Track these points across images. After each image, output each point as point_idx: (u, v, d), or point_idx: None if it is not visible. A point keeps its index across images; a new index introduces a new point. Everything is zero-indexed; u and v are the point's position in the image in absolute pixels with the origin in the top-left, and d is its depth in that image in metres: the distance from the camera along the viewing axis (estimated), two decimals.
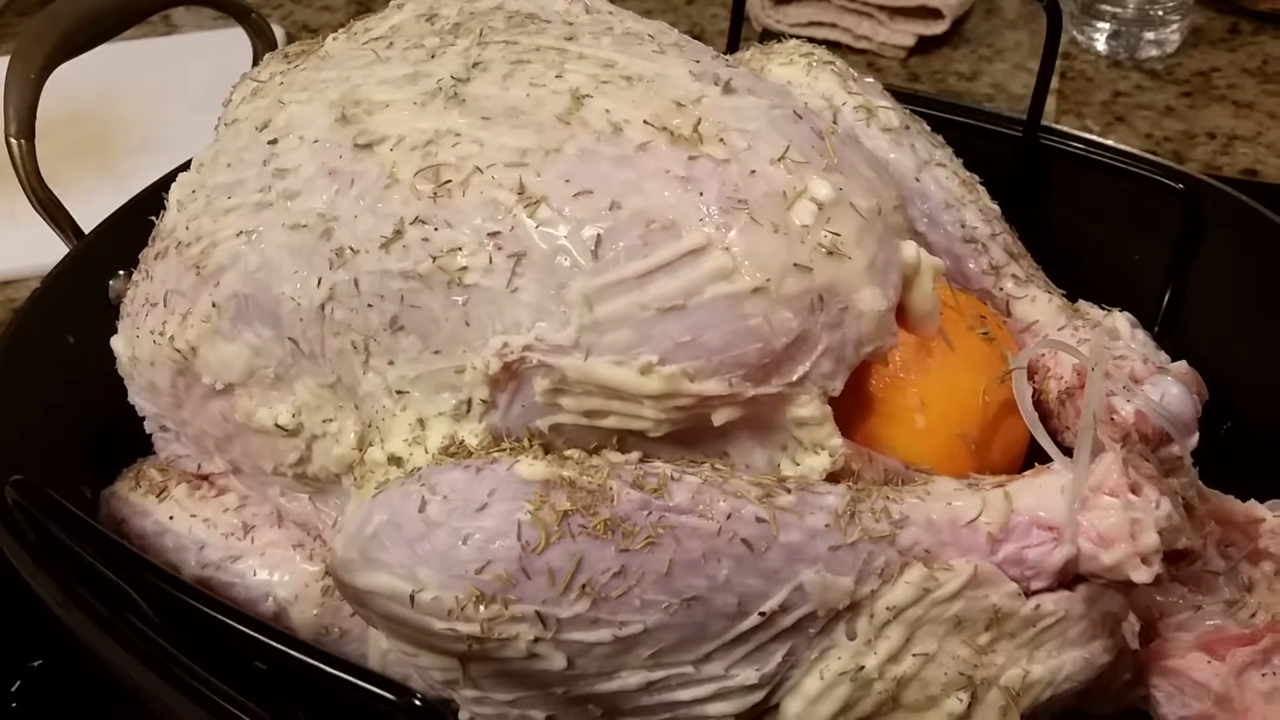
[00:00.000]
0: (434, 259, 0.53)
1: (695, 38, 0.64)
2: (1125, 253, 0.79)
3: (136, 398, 0.66)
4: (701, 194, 0.52)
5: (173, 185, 0.64)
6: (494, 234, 0.52)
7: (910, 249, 0.55)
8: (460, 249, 0.53)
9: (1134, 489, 0.52)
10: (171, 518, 0.64)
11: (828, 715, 0.52)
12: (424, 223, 0.53)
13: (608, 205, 0.52)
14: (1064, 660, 0.53)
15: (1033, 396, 0.66)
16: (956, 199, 0.71)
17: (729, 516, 0.50)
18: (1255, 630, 0.55)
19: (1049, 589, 0.53)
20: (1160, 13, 1.19)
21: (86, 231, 0.74)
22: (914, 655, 0.52)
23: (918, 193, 0.71)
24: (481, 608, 0.48)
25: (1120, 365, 0.66)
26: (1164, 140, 1.10)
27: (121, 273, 0.70)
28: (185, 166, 0.65)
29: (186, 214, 0.61)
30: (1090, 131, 1.00)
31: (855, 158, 0.56)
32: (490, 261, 0.52)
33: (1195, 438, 0.65)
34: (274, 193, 0.57)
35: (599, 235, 0.51)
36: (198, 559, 0.63)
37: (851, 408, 0.58)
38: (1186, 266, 0.76)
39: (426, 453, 0.55)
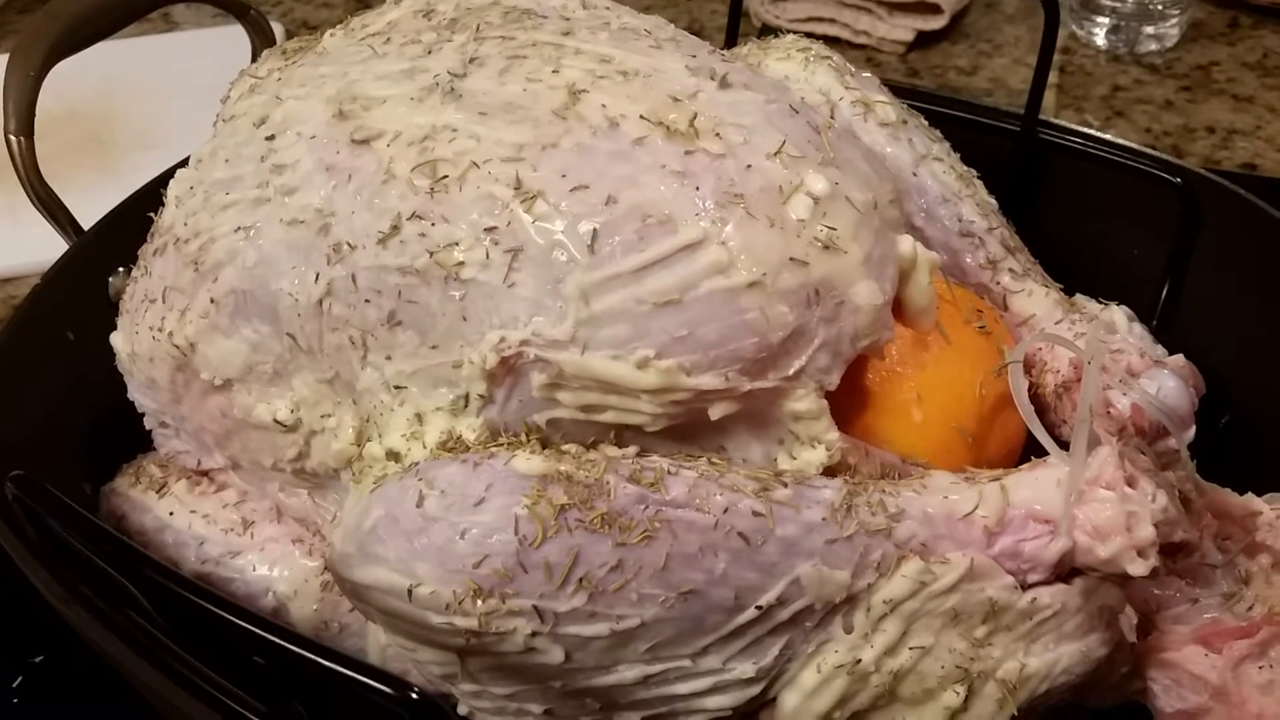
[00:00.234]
0: (431, 254, 0.53)
1: (694, 33, 0.64)
2: (1123, 247, 0.79)
3: (136, 394, 0.66)
4: (697, 189, 0.52)
5: (171, 182, 0.64)
6: (491, 229, 0.52)
7: (907, 243, 0.55)
8: (457, 244, 0.53)
9: (1130, 482, 0.52)
10: (171, 513, 0.64)
11: (825, 708, 0.52)
12: (421, 218, 0.53)
13: (604, 200, 0.52)
14: (1061, 653, 0.53)
15: (1029, 390, 0.66)
16: (953, 193, 0.71)
17: (725, 510, 0.50)
18: (1252, 623, 0.55)
19: (1045, 582, 0.53)
20: (1160, 7, 1.19)
21: (86, 228, 0.74)
22: (911, 648, 0.52)
23: (915, 187, 0.71)
24: (479, 602, 0.49)
25: (1117, 359, 0.66)
26: (1163, 135, 1.10)
27: (121, 269, 0.70)
28: (184, 163, 0.65)
29: (185, 210, 0.61)
30: (1090, 126, 1.00)
31: (852, 152, 0.56)
32: (487, 256, 0.52)
33: (1192, 431, 0.65)
34: (271, 188, 0.58)
35: (595, 230, 0.51)
36: (197, 554, 0.63)
37: (848, 402, 0.58)
38: (1184, 261, 0.76)
39: (424, 448, 0.55)
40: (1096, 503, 0.52)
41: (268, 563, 0.62)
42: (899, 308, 0.56)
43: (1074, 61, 1.20)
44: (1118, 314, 0.71)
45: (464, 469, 0.51)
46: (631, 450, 0.53)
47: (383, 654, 0.59)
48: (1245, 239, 0.74)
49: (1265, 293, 0.72)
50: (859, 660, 0.52)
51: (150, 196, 0.67)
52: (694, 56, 0.58)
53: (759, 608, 0.51)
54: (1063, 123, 0.82)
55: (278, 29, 1.28)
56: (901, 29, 1.23)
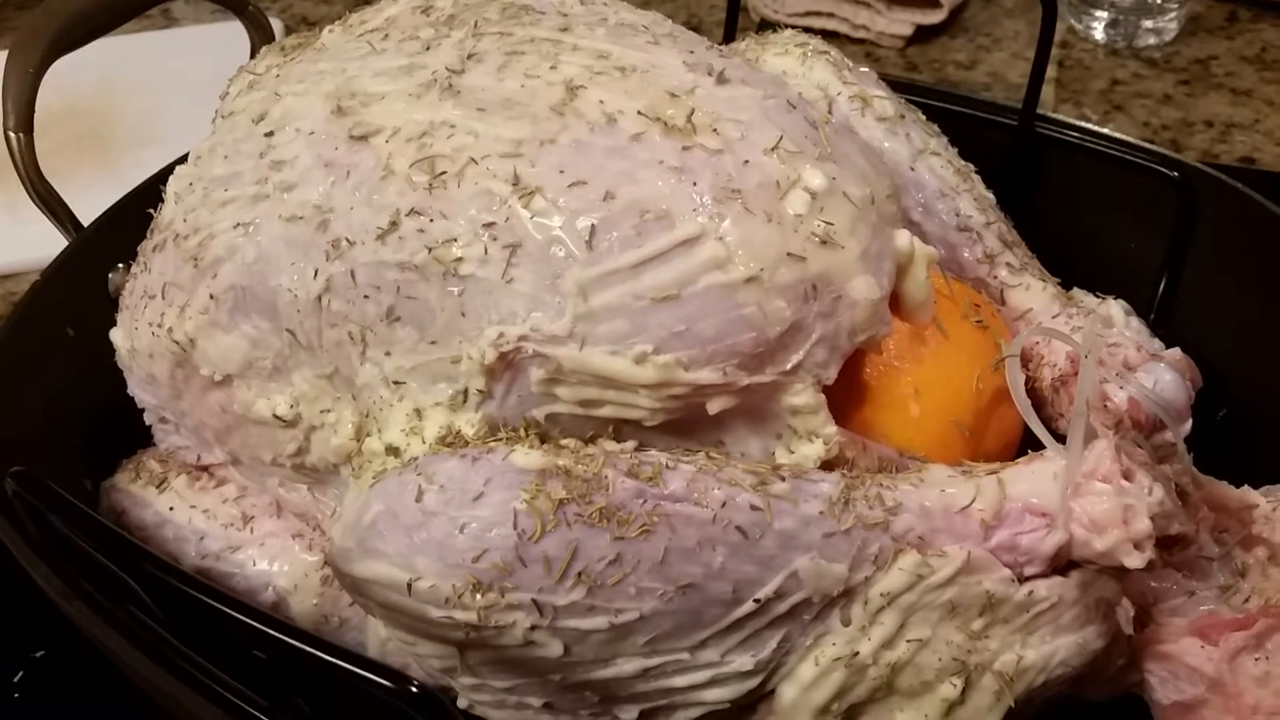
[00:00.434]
0: (429, 250, 0.53)
1: (693, 29, 0.64)
2: (1121, 241, 0.79)
3: (136, 390, 0.66)
4: (695, 184, 0.52)
5: (170, 178, 0.64)
6: (489, 225, 0.53)
7: (904, 238, 0.56)
8: (455, 240, 0.53)
9: (1127, 475, 0.52)
10: (171, 509, 0.64)
11: (823, 701, 0.52)
12: (419, 214, 0.53)
13: (602, 196, 0.52)
14: (1058, 645, 0.53)
15: (1026, 384, 0.66)
16: (951, 188, 0.72)
17: (724, 504, 0.50)
18: (1248, 615, 0.55)
19: (1042, 575, 0.53)
20: (1158, 1, 1.19)
21: (85, 225, 0.74)
22: (908, 641, 0.52)
23: (912, 182, 0.71)
24: (478, 596, 0.49)
25: (1114, 352, 0.66)
26: (1162, 129, 1.10)
27: (120, 266, 0.70)
28: (183, 160, 0.65)
29: (184, 207, 0.61)
30: (1088, 120, 1.00)
31: (849, 147, 0.56)
32: (485, 252, 0.52)
33: (1189, 424, 0.65)
34: (270, 185, 0.58)
35: (593, 225, 0.52)
36: (197, 549, 0.63)
37: (846, 396, 0.59)
38: (1182, 254, 0.77)
39: (424, 443, 0.55)
40: (1093, 496, 0.52)
41: (268, 557, 0.63)
42: (896, 302, 0.56)
43: (1072, 55, 1.20)
44: (1115, 308, 0.71)
45: (463, 464, 0.51)
46: (630, 445, 0.53)
47: (383, 648, 0.60)
48: (1243, 233, 0.74)
49: (1263, 287, 0.72)
50: (856, 653, 0.52)
51: (149, 193, 0.67)
52: (691, 52, 0.58)
53: (757, 601, 0.51)
54: (1061, 117, 0.82)
55: (276, 25, 1.28)
56: (900, 23, 1.23)
